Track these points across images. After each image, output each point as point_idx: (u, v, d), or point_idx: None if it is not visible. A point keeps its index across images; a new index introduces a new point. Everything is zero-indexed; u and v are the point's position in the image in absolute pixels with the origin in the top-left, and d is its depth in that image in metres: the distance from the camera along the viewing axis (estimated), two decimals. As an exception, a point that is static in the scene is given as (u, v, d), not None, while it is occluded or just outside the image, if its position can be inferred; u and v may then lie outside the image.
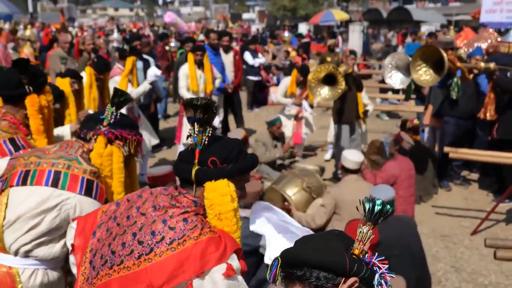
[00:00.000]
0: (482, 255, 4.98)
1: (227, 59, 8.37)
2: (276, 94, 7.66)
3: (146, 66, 7.27)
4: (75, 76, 4.84)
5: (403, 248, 3.59)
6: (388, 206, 1.27)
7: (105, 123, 2.44)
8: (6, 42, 12.66)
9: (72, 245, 1.92)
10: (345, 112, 6.67)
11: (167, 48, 11.36)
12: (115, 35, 16.83)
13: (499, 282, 4.54)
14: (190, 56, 6.78)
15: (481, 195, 6.56)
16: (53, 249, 2.32)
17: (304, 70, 7.27)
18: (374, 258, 1.26)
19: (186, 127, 6.89)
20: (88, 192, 2.29)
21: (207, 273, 1.63)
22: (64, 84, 4.67)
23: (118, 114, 2.48)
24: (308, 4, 41.05)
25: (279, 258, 1.31)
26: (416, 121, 6.29)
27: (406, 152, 5.52)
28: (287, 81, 7.46)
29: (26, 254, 2.29)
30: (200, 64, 6.79)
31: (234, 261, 1.68)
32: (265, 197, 4.96)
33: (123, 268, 1.68)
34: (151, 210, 1.75)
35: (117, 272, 1.69)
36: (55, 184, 2.25)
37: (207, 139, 1.74)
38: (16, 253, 2.28)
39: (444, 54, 5.23)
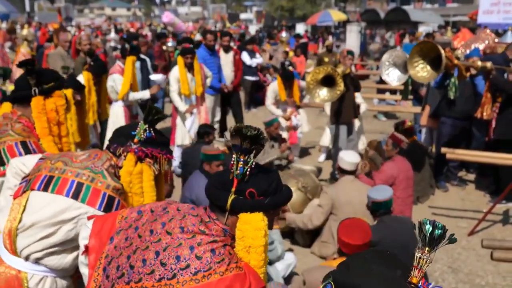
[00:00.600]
0: (479, 256, 4.98)
1: (227, 58, 8.37)
2: (266, 101, 7.66)
3: (143, 66, 7.26)
4: (78, 87, 4.84)
5: (400, 248, 3.59)
6: (453, 237, 1.24)
7: (136, 140, 2.36)
8: (3, 41, 12.65)
9: (86, 246, 1.88)
10: (342, 112, 6.66)
11: (164, 48, 11.34)
12: (113, 34, 16.80)
13: (496, 283, 4.55)
14: (180, 60, 6.75)
15: (478, 196, 6.57)
16: (65, 259, 2.28)
17: (286, 76, 7.27)
18: (427, 285, 1.20)
19: (180, 129, 6.87)
20: (107, 209, 2.21)
21: None
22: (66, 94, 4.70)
23: (152, 132, 2.39)
24: (306, 5, 41.08)
25: (332, 282, 1.24)
26: (409, 123, 6.29)
27: (404, 152, 5.52)
28: (274, 87, 7.49)
29: (37, 261, 2.25)
30: (190, 67, 6.78)
31: None
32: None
33: (141, 287, 1.64)
34: (178, 231, 1.68)
35: None
36: (75, 196, 2.19)
37: (249, 171, 1.68)
38: (26, 258, 2.24)
39: (442, 51, 5.24)
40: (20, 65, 2.90)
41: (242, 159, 1.68)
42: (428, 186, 6.43)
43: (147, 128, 2.37)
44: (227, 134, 5.87)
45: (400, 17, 29.13)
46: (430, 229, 1.21)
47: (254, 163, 1.70)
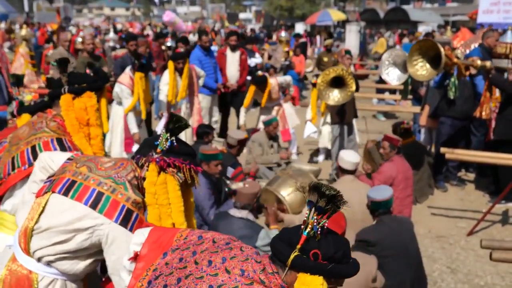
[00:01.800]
0: (478, 256, 4.97)
1: (234, 57, 8.40)
2: (241, 111, 7.65)
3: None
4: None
5: (399, 248, 3.59)
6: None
7: (158, 149, 2.32)
8: (2, 41, 12.63)
9: (136, 253, 1.85)
10: (343, 112, 6.66)
11: (163, 47, 11.31)
12: (111, 34, 16.79)
13: (495, 283, 4.54)
14: (171, 64, 6.75)
15: (477, 196, 6.57)
16: (77, 265, 2.25)
17: (258, 81, 7.26)
18: None
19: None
20: (124, 222, 2.18)
21: None
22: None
23: (174, 141, 2.35)
24: (305, 4, 41.06)
25: None
26: (405, 125, 6.29)
27: (404, 151, 5.51)
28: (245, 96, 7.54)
29: (49, 263, 2.23)
30: (181, 72, 6.78)
31: None
32: (260, 198, 4.94)
33: None
34: (238, 273, 1.63)
35: None
36: (94, 206, 2.17)
37: (319, 231, 1.61)
38: (39, 260, 2.23)
39: (441, 49, 5.23)
40: (57, 63, 3.03)
41: (315, 218, 1.61)
42: (427, 186, 6.42)
43: (168, 137, 2.33)
44: (231, 133, 5.81)
45: (400, 16, 29.16)
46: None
47: (326, 224, 1.62)
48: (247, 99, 7.41)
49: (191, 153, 2.42)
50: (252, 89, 7.35)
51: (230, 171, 5.17)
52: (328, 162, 7.58)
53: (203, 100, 7.79)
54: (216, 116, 8.16)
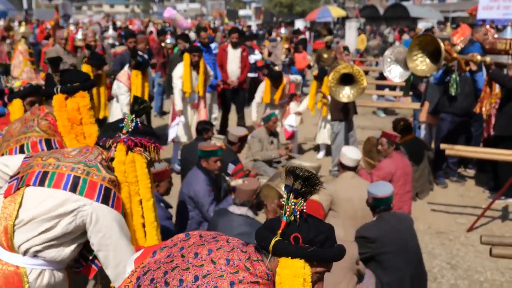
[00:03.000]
0: (478, 252, 4.98)
1: (235, 54, 8.40)
2: (252, 103, 7.62)
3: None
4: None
5: (399, 245, 3.59)
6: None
7: (124, 131, 2.42)
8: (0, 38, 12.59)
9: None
10: (343, 109, 6.66)
11: (163, 44, 11.30)
12: (111, 31, 16.76)
13: (494, 279, 4.54)
14: (187, 56, 6.75)
15: (477, 192, 6.57)
16: (63, 252, 2.30)
17: (274, 76, 7.27)
18: None
19: (179, 126, 6.87)
20: (105, 200, 2.27)
21: None
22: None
23: (138, 122, 2.46)
24: (305, 1, 40.99)
25: None
26: (402, 123, 6.29)
27: (404, 147, 5.51)
28: (262, 89, 7.50)
29: (35, 254, 2.27)
30: (196, 66, 6.77)
31: None
32: (261, 194, 4.94)
33: None
34: (223, 263, 1.65)
35: None
36: (73, 189, 2.23)
37: (298, 213, 1.63)
38: (25, 253, 2.26)
39: (441, 44, 5.22)
40: (48, 61, 3.01)
41: (292, 201, 1.63)
42: (427, 182, 6.42)
43: (134, 119, 2.44)
44: (231, 130, 5.80)
45: (400, 13, 29.12)
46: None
47: (304, 207, 1.64)
48: (266, 94, 7.37)
49: (155, 133, 2.58)
50: (268, 83, 7.34)
51: (230, 167, 5.17)
52: (328, 158, 7.58)
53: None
54: (216, 113, 8.16)
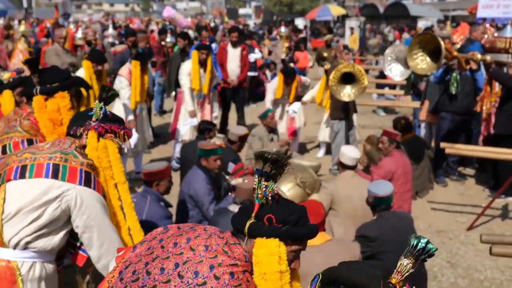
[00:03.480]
0: (478, 251, 4.98)
1: (235, 53, 8.41)
2: (266, 101, 7.60)
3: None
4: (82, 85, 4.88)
5: (399, 243, 3.58)
6: (431, 245, 1.34)
7: (94, 118, 2.51)
8: (1, 37, 12.58)
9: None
10: (342, 108, 6.65)
11: (163, 43, 11.28)
12: (110, 30, 16.74)
13: (494, 277, 4.54)
14: (195, 54, 6.77)
15: (477, 191, 6.57)
16: (52, 240, 2.36)
17: (289, 73, 7.26)
18: None
19: (183, 122, 6.88)
20: (87, 183, 2.35)
21: None
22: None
23: (107, 110, 2.55)
24: (305, -1, 40.95)
25: (320, 274, 1.39)
26: (402, 121, 6.29)
27: (404, 146, 5.50)
28: (274, 84, 7.47)
29: (26, 246, 2.32)
30: (203, 63, 6.79)
31: None
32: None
33: None
34: (202, 249, 1.70)
35: None
36: (55, 176, 2.30)
37: (270, 195, 1.71)
38: (15, 246, 2.31)
39: (441, 42, 5.22)
40: (25, 63, 3.01)
41: (263, 183, 1.70)
42: (427, 181, 6.42)
43: (102, 106, 2.53)
44: (231, 129, 5.78)
45: (400, 11, 29.05)
46: (415, 242, 1.34)
47: (275, 188, 1.70)
48: (279, 89, 7.35)
49: (122, 120, 2.68)
50: (281, 78, 7.34)
51: (231, 166, 5.16)
52: (328, 157, 7.58)
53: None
54: (216, 112, 8.15)
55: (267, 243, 1.67)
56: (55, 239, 2.37)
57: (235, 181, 3.83)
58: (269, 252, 1.66)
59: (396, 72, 5.92)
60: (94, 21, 24.27)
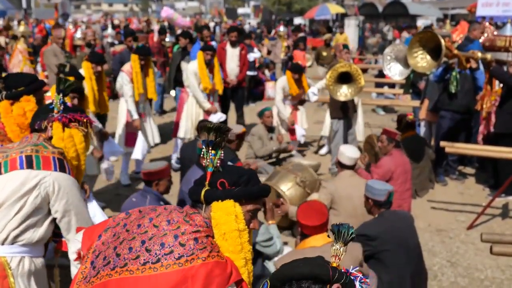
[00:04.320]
0: (478, 250, 4.97)
1: (234, 53, 8.40)
2: (276, 97, 7.56)
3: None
4: (78, 77, 4.91)
5: (399, 242, 3.58)
6: (352, 229, 1.50)
7: (55, 111, 2.59)
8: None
9: (78, 253, 1.95)
10: (341, 107, 6.65)
11: (162, 43, 11.28)
12: (110, 30, 16.74)
13: (495, 276, 4.54)
14: (200, 55, 6.79)
15: (477, 190, 6.56)
16: (38, 232, 2.45)
17: (296, 68, 7.27)
18: (350, 269, 1.43)
19: (184, 123, 6.88)
20: (62, 169, 2.46)
21: None
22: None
23: (66, 101, 2.65)
24: (304, -1, 40.92)
25: (268, 281, 1.45)
26: (410, 117, 6.29)
27: (403, 145, 5.50)
28: (283, 82, 7.44)
29: (14, 241, 2.38)
30: (209, 64, 6.80)
31: None
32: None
33: (126, 271, 1.70)
34: (164, 224, 1.78)
35: (119, 273, 1.70)
36: (30, 166, 2.38)
37: (219, 162, 1.82)
38: (3, 242, 2.37)
39: (442, 40, 5.21)
40: None
41: (211, 152, 1.81)
42: (427, 180, 6.42)
43: (61, 98, 2.61)
44: (235, 128, 5.71)
45: (399, 10, 29.06)
46: (337, 229, 1.50)
47: (222, 154, 1.82)
48: (292, 86, 7.33)
49: (82, 109, 2.76)
50: (289, 76, 7.33)
51: (229, 166, 5.16)
52: (328, 156, 7.57)
53: None
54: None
55: (222, 205, 1.77)
56: (41, 231, 2.45)
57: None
58: (225, 213, 1.76)
59: (395, 72, 5.91)
60: (93, 21, 24.27)
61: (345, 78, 6.05)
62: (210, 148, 1.81)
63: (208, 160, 1.81)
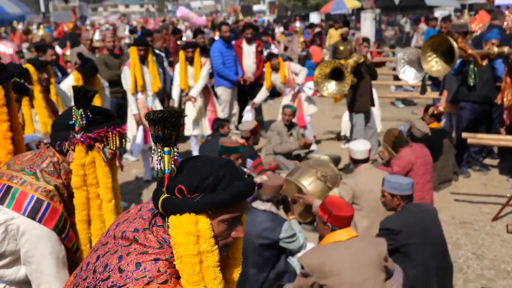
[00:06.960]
0: (504, 241, 4.91)
1: (250, 50, 8.43)
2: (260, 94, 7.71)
3: (159, 61, 7.27)
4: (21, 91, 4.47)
5: (423, 235, 3.56)
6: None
7: (77, 128, 2.18)
8: (20, 42, 12.79)
9: None
10: (359, 101, 6.62)
11: (178, 42, 11.34)
12: (127, 31, 16.89)
13: (522, 268, 4.48)
14: (181, 54, 6.81)
15: (500, 181, 6.48)
16: (18, 272, 2.22)
17: (268, 56, 7.47)
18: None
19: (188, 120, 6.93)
20: (32, 213, 2.11)
21: None
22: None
23: (89, 114, 2.19)
24: (319, -7, 40.72)
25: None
26: (441, 108, 6.26)
27: (421, 139, 5.45)
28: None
29: None
30: (192, 61, 6.80)
31: None
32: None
33: None
34: (119, 236, 1.46)
35: None
36: (2, 202, 2.11)
37: (173, 161, 1.40)
38: None
39: (454, 43, 5.14)
40: None
41: (164, 150, 1.40)
42: (451, 172, 6.34)
43: (82, 112, 2.17)
44: (240, 127, 5.81)
45: (415, 2, 28.72)
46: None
47: (176, 151, 1.41)
48: (267, 79, 7.47)
49: (109, 114, 2.26)
50: (267, 66, 7.41)
51: (249, 162, 5.18)
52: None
53: (223, 93, 7.82)
54: (235, 109, 8.18)
55: (181, 220, 1.36)
56: (22, 272, 2.21)
57: (260, 179, 3.83)
58: (183, 231, 1.35)
59: (410, 75, 5.85)
60: (111, 23, 24.50)
61: (338, 75, 6.04)
62: (160, 146, 1.39)
63: (159, 161, 1.40)
